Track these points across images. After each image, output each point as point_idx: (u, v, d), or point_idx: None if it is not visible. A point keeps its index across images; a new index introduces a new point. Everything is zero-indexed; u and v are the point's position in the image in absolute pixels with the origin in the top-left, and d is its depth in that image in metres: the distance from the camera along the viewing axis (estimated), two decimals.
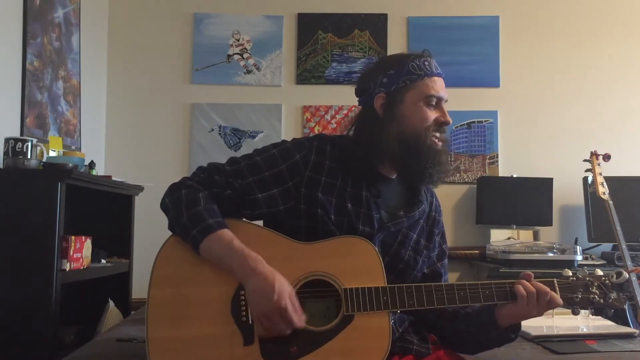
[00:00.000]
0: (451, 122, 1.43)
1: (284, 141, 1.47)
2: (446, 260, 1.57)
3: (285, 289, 1.26)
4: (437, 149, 1.41)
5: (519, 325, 1.41)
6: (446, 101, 1.44)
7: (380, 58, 1.54)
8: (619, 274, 1.38)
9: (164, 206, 1.39)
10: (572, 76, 3.88)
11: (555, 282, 1.37)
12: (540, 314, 1.35)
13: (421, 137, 1.39)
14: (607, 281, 1.39)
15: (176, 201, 1.35)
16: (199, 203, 1.33)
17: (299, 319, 1.26)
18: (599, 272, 1.40)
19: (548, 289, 1.34)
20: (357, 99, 1.50)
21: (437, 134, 1.41)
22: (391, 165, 1.45)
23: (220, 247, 1.29)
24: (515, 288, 1.34)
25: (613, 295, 1.37)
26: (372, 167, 1.44)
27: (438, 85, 1.41)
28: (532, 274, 1.37)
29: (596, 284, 1.38)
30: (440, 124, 1.41)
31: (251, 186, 1.39)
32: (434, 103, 1.41)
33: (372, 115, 1.44)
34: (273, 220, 1.43)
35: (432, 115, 1.41)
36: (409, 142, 1.39)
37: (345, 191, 1.40)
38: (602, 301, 1.37)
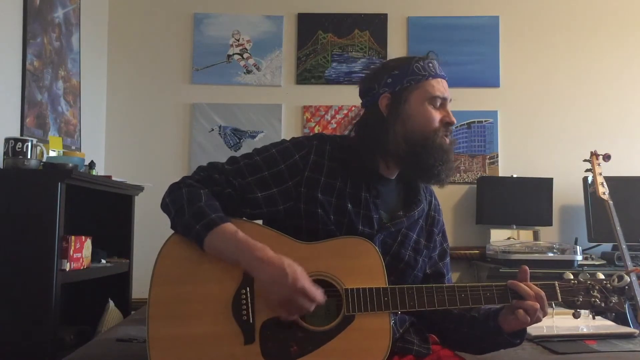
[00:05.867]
0: (455, 122, 1.43)
1: (283, 140, 1.47)
2: (448, 259, 1.57)
3: (297, 269, 1.26)
4: (446, 146, 1.40)
5: (525, 331, 1.41)
6: (451, 100, 1.44)
7: (384, 61, 1.56)
8: (620, 278, 1.38)
9: (164, 206, 1.39)
10: (572, 76, 3.87)
11: (557, 284, 1.37)
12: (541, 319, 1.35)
13: (429, 138, 1.39)
14: (609, 285, 1.39)
15: (177, 200, 1.35)
16: (200, 199, 1.33)
17: (319, 294, 1.26)
18: (601, 276, 1.40)
19: (542, 293, 1.33)
20: (361, 100, 1.50)
21: (446, 134, 1.41)
22: (396, 164, 1.45)
23: (225, 240, 1.29)
24: (520, 293, 1.33)
25: (614, 299, 1.37)
26: (373, 168, 1.43)
27: (442, 87, 1.42)
28: (528, 269, 1.37)
29: (597, 287, 1.38)
30: (446, 124, 1.41)
31: (251, 185, 1.39)
32: (438, 104, 1.41)
33: (377, 115, 1.44)
34: (273, 220, 1.43)
35: (437, 115, 1.41)
36: (417, 142, 1.39)
37: (345, 191, 1.40)
38: (603, 305, 1.37)
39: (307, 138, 1.46)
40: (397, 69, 1.42)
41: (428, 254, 1.50)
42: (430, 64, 1.42)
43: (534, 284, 1.35)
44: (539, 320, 1.33)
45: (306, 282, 1.25)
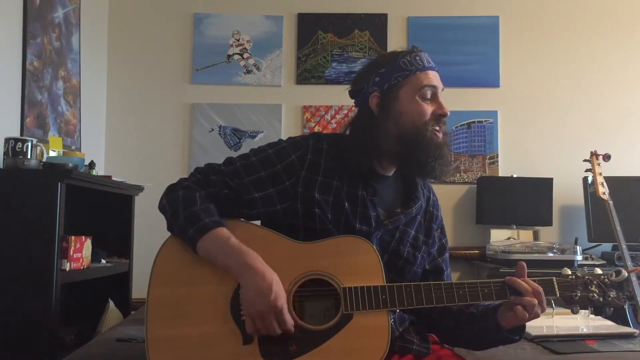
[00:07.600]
0: (449, 113, 1.41)
1: (280, 141, 1.47)
2: (447, 254, 1.56)
3: (281, 290, 1.26)
4: (438, 141, 1.40)
5: (523, 327, 1.41)
6: (442, 89, 1.43)
7: (372, 59, 1.55)
8: (618, 273, 1.38)
9: (161, 207, 1.40)
10: (572, 76, 3.87)
11: (554, 280, 1.37)
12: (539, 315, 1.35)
13: (421, 132, 1.38)
14: (607, 279, 1.39)
15: (173, 202, 1.36)
16: (195, 203, 1.34)
17: (290, 322, 1.26)
18: (599, 271, 1.40)
19: (540, 288, 1.33)
20: (353, 101, 1.50)
21: (437, 127, 1.40)
22: (390, 162, 1.45)
23: (217, 245, 1.29)
24: (520, 288, 1.34)
25: (612, 293, 1.37)
26: (368, 166, 1.43)
27: (431, 77, 1.41)
28: (525, 265, 1.37)
29: (595, 282, 1.38)
30: (438, 117, 1.40)
31: (247, 186, 1.39)
32: (429, 96, 1.40)
33: (368, 114, 1.44)
34: (271, 220, 1.43)
35: (429, 108, 1.40)
36: (409, 137, 1.38)
37: (342, 190, 1.40)
38: (601, 299, 1.37)
39: (303, 138, 1.46)
40: (384, 66, 1.42)
41: (427, 250, 1.50)
42: (418, 57, 1.41)
43: (531, 280, 1.35)
44: (537, 316, 1.33)
45: (285, 306, 1.26)
